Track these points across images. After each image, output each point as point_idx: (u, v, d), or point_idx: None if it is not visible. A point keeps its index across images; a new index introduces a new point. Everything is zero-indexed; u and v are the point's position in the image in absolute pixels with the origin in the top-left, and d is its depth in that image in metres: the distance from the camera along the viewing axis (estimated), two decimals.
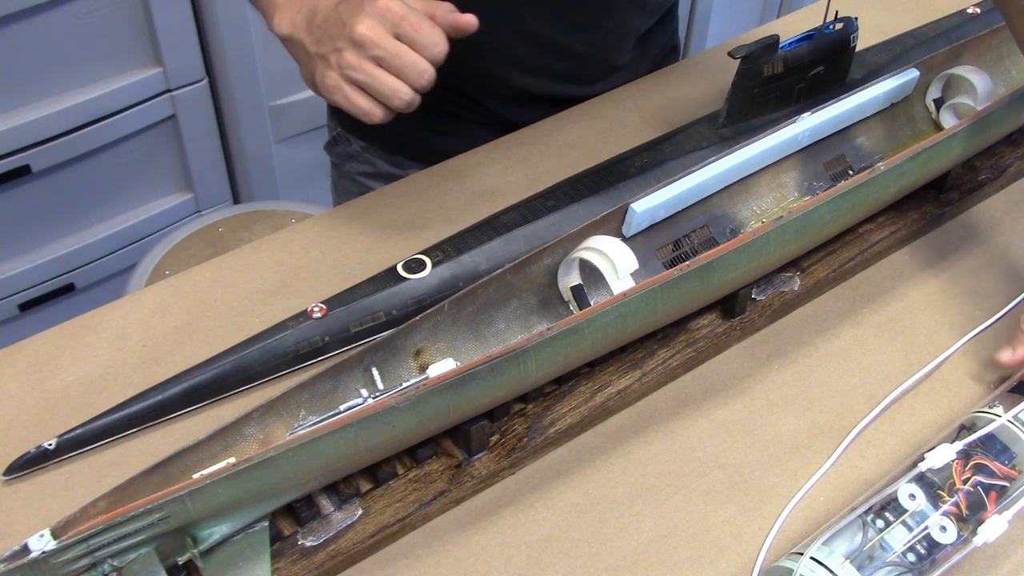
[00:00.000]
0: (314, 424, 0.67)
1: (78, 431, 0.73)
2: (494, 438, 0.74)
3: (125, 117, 1.73)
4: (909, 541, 0.65)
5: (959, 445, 0.69)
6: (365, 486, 0.71)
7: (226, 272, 0.89)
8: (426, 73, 0.79)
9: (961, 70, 0.95)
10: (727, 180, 0.85)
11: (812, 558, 0.64)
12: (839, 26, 0.98)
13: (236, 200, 2.01)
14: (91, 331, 0.83)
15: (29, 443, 0.73)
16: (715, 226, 0.86)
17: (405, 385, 0.68)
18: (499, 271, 0.75)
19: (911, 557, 0.65)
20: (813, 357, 0.83)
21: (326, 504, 0.69)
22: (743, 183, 0.87)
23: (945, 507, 0.67)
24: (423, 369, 0.73)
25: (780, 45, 0.95)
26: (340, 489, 0.69)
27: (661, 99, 1.11)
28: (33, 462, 0.72)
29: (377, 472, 0.70)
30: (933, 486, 0.68)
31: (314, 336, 0.79)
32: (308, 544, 0.67)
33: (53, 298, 1.84)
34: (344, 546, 0.67)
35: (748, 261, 0.78)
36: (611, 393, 0.77)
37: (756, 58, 0.94)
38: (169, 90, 1.77)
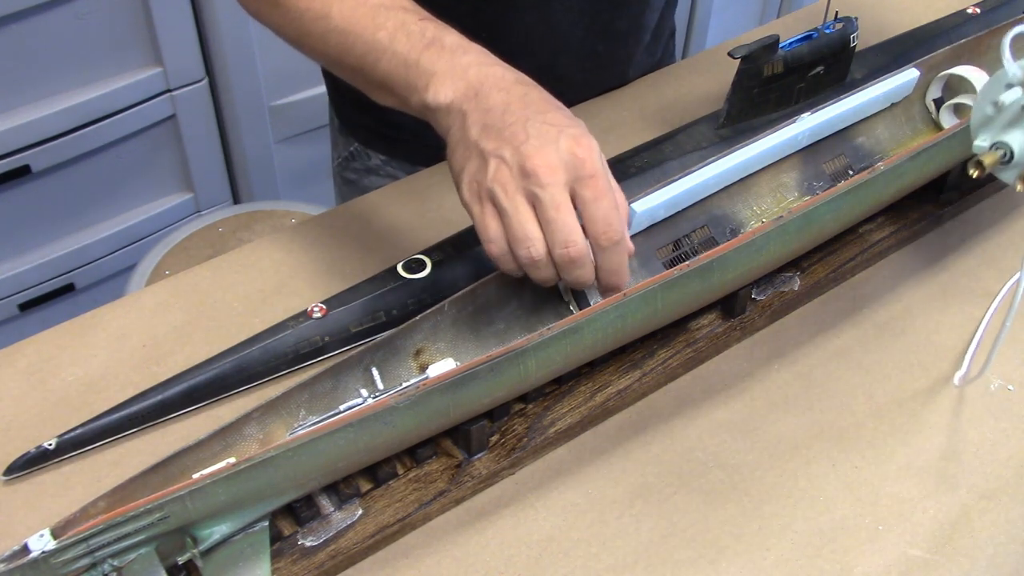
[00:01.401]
0: (314, 424, 0.67)
1: (78, 431, 0.73)
2: (494, 438, 0.74)
3: (125, 117, 1.73)
4: None
5: None
6: (365, 486, 0.71)
7: (226, 272, 0.89)
8: (571, 249, 0.65)
9: (961, 70, 0.95)
10: (727, 180, 0.85)
11: None
12: (839, 26, 0.98)
13: (236, 200, 2.01)
14: (91, 331, 0.83)
15: (29, 443, 0.73)
16: (715, 226, 0.86)
17: (405, 385, 0.68)
18: (499, 271, 0.75)
19: None
20: (813, 357, 0.83)
21: (326, 504, 0.69)
22: (743, 183, 0.87)
23: None
24: (423, 369, 0.73)
25: (780, 45, 0.95)
26: (340, 489, 0.69)
27: (661, 99, 1.11)
28: (33, 462, 0.72)
29: (377, 472, 0.70)
30: None
31: (314, 336, 0.79)
32: (308, 544, 0.67)
33: (53, 298, 1.84)
34: (344, 546, 0.67)
35: (748, 261, 0.78)
36: (611, 393, 0.77)
37: (756, 58, 0.94)
38: (169, 90, 1.77)
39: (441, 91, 0.70)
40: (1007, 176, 0.63)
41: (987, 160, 0.62)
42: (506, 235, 0.66)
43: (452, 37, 0.72)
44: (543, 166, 0.64)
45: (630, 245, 0.68)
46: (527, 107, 0.67)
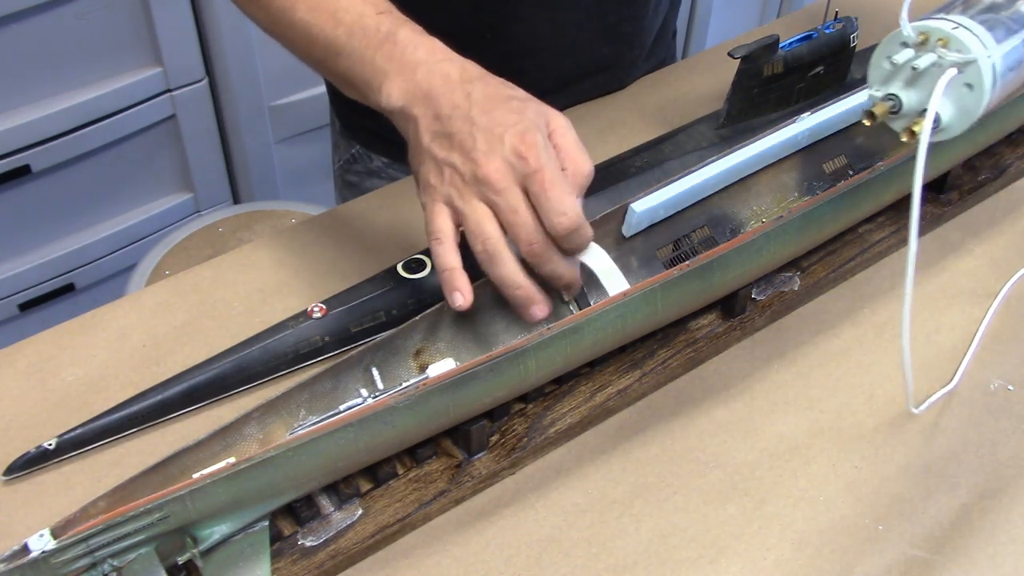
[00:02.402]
0: (314, 424, 0.67)
1: (78, 431, 0.73)
2: (494, 438, 0.74)
3: (125, 117, 1.73)
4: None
5: None
6: (365, 486, 0.71)
7: (226, 272, 0.89)
8: (535, 246, 0.67)
9: None
10: (727, 180, 0.85)
11: (938, 16, 0.63)
12: (839, 26, 0.98)
13: (236, 200, 2.01)
14: (91, 331, 0.83)
15: (29, 443, 0.73)
16: (715, 226, 0.86)
17: (405, 385, 0.68)
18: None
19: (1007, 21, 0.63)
20: (813, 357, 0.83)
21: (326, 504, 0.69)
22: (743, 183, 0.87)
23: None
24: (423, 369, 0.73)
25: (780, 45, 0.95)
26: (340, 489, 0.69)
27: (661, 99, 1.11)
28: (33, 462, 0.72)
29: (377, 472, 0.70)
30: None
31: (314, 336, 0.79)
32: (308, 544, 0.67)
33: (53, 298, 1.84)
34: (344, 546, 0.67)
35: (748, 261, 0.78)
36: (611, 393, 0.77)
37: (756, 58, 0.94)
38: (169, 90, 1.77)
39: (393, 93, 0.71)
40: (896, 126, 0.66)
41: (878, 110, 0.66)
42: (463, 233, 0.69)
43: (405, 31, 0.72)
44: (494, 172, 0.66)
45: (587, 229, 0.69)
46: (473, 106, 0.68)
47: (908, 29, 0.64)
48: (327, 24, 0.74)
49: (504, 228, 0.67)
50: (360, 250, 0.90)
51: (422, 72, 0.70)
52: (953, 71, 0.62)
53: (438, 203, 0.69)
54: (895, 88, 0.65)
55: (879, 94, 0.66)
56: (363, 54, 0.72)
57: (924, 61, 0.63)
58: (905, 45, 0.65)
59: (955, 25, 0.63)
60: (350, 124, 1.17)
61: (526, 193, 0.67)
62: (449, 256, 0.68)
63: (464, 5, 1.00)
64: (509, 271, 0.68)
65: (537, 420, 0.75)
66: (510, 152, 0.67)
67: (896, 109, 0.65)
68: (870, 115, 0.66)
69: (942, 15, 0.64)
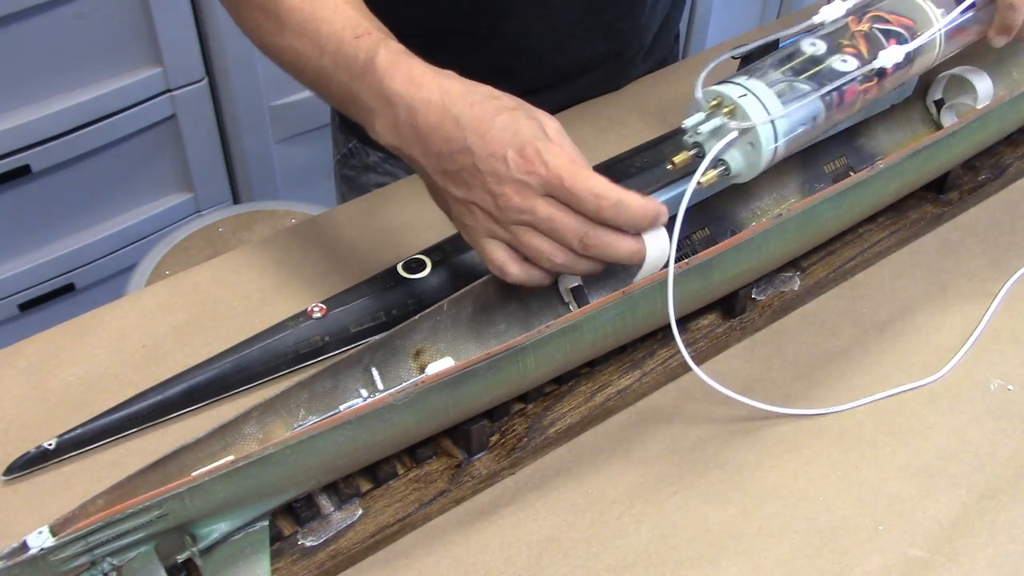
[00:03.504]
0: (313, 424, 0.67)
1: (78, 431, 0.73)
2: (494, 438, 0.74)
3: (125, 117, 1.73)
4: (811, 71, 0.73)
5: (850, 3, 0.76)
6: (365, 486, 0.71)
7: (226, 272, 0.89)
8: (588, 238, 0.67)
9: (961, 71, 0.95)
10: None
11: (734, 82, 0.71)
12: None
13: (236, 200, 2.01)
14: (91, 331, 0.83)
15: (29, 443, 0.73)
16: (715, 226, 0.86)
17: (404, 384, 0.68)
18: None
19: (807, 85, 0.72)
20: (813, 357, 0.83)
21: (326, 504, 0.69)
22: (743, 183, 0.87)
23: (845, 46, 0.75)
24: (423, 369, 0.73)
25: (780, 45, 0.95)
26: (340, 489, 0.69)
27: (661, 99, 1.11)
28: (33, 462, 0.72)
29: (377, 472, 0.70)
30: (833, 37, 0.76)
31: (314, 336, 0.79)
32: (308, 544, 0.67)
33: (53, 298, 1.84)
34: (344, 546, 0.67)
35: (748, 259, 0.78)
36: (611, 393, 0.77)
37: (756, 58, 0.94)
38: (169, 90, 1.77)
39: (382, 133, 0.70)
40: (697, 174, 0.72)
41: (678, 159, 0.72)
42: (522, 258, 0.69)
43: (382, 56, 0.69)
44: (513, 196, 0.66)
45: (632, 197, 0.67)
46: (466, 134, 0.67)
47: (700, 95, 0.72)
48: (312, 52, 0.73)
49: (553, 238, 0.67)
50: (360, 250, 0.90)
51: (403, 109, 0.68)
52: (734, 133, 0.70)
53: (484, 239, 0.69)
54: (699, 136, 0.72)
55: (690, 140, 0.72)
56: (348, 86, 0.71)
57: (708, 127, 0.71)
58: (698, 110, 0.72)
59: (743, 93, 0.70)
60: (348, 119, 1.18)
61: (555, 198, 0.67)
62: (535, 272, 0.70)
63: (459, 2, 1.00)
64: (586, 266, 0.69)
65: (537, 420, 0.75)
66: (518, 171, 0.66)
67: (701, 155, 0.71)
68: (671, 162, 0.72)
69: (741, 78, 0.72)
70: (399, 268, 0.83)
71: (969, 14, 0.80)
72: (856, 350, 0.84)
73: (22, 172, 1.66)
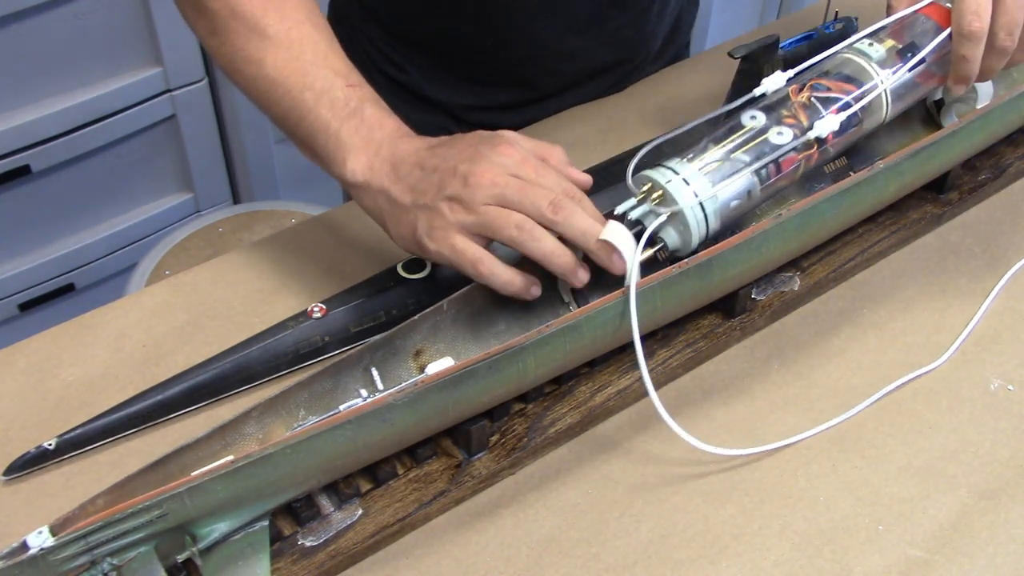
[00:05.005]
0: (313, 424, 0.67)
1: (78, 431, 0.73)
2: (494, 438, 0.74)
3: (125, 117, 1.73)
4: (748, 146, 0.75)
5: (791, 73, 0.77)
6: (365, 486, 0.71)
7: (226, 272, 0.89)
8: (557, 199, 0.69)
9: None
10: None
11: (665, 166, 0.73)
12: (839, 26, 0.98)
13: (236, 200, 2.02)
14: (91, 331, 0.83)
15: (29, 443, 0.73)
16: None
17: (404, 383, 0.68)
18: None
19: (744, 157, 0.74)
20: (813, 357, 0.83)
21: (326, 504, 0.69)
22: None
23: (783, 119, 0.76)
24: (422, 369, 0.73)
25: (780, 45, 0.95)
26: (340, 489, 0.69)
27: (661, 99, 1.11)
28: (33, 462, 0.72)
29: (377, 472, 0.70)
30: (774, 108, 0.77)
31: (314, 336, 0.79)
32: (308, 544, 0.67)
33: (53, 298, 1.84)
34: (344, 546, 0.67)
35: (747, 259, 0.78)
36: (611, 393, 0.77)
37: (756, 58, 0.94)
38: (169, 90, 1.77)
39: (357, 169, 0.73)
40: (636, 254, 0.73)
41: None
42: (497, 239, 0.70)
43: (371, 109, 0.75)
44: (487, 171, 0.69)
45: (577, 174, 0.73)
46: (438, 147, 0.72)
47: (631, 183, 0.73)
48: (295, 87, 0.75)
49: (521, 210, 0.68)
50: (360, 250, 0.91)
51: (386, 149, 0.73)
52: (663, 217, 0.72)
53: (455, 236, 0.69)
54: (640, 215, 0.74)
55: (632, 217, 0.73)
56: (328, 124, 0.74)
57: (637, 212, 0.73)
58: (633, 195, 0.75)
59: (670, 178, 0.72)
60: None
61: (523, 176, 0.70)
62: (499, 269, 0.70)
63: (465, 15, 1.01)
64: (549, 243, 0.69)
65: (537, 420, 0.75)
66: (490, 152, 0.69)
67: (642, 233, 0.72)
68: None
69: (673, 161, 0.73)
70: (399, 268, 0.83)
71: (917, 70, 0.81)
72: (856, 350, 0.84)
73: (22, 172, 1.66)
